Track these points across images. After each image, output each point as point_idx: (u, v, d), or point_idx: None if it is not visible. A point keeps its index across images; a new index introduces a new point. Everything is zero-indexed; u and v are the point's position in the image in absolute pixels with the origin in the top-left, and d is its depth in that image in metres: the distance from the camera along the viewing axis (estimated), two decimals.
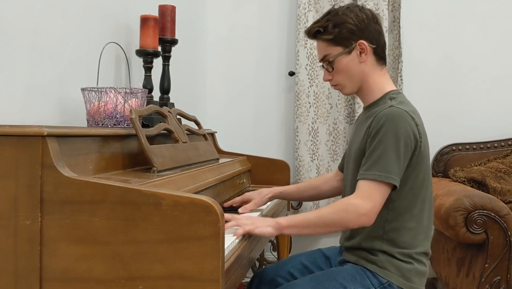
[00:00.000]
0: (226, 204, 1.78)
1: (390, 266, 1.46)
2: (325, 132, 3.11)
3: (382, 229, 1.47)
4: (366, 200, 1.37)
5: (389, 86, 1.56)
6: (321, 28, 1.53)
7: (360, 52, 1.51)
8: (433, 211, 1.55)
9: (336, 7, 1.59)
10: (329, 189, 1.85)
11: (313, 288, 1.45)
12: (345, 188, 1.62)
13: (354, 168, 1.52)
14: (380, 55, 1.55)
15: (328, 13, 1.55)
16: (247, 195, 1.83)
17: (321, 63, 1.59)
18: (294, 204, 2.98)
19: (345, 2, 3.04)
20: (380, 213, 1.42)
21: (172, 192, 1.05)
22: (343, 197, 1.63)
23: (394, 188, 1.41)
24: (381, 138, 1.40)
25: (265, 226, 1.42)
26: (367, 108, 1.58)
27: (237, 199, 1.81)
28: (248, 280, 1.80)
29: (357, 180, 1.42)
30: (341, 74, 1.54)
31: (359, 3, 2.97)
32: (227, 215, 1.38)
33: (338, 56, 1.52)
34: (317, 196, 1.89)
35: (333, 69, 1.55)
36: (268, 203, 1.97)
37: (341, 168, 1.79)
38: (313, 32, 1.55)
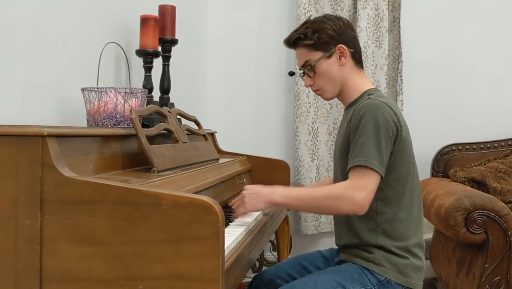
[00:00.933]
0: (233, 203, 1.79)
1: (386, 263, 1.48)
2: (325, 132, 3.11)
3: (375, 222, 1.51)
4: (360, 187, 1.42)
5: (367, 86, 1.62)
6: (301, 35, 1.60)
7: (340, 56, 1.58)
8: (422, 202, 1.60)
9: (311, 17, 1.67)
10: None
11: (312, 288, 1.45)
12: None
13: (340, 163, 1.57)
14: (357, 59, 1.62)
15: (306, 22, 1.63)
16: None
17: (301, 71, 1.65)
18: None
19: (344, 2, 3.05)
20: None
21: (172, 192, 1.05)
22: None
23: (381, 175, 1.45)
24: (362, 128, 1.45)
25: (257, 203, 1.50)
26: (347, 108, 1.64)
27: None
28: (249, 280, 1.80)
29: (347, 172, 1.47)
30: (322, 78, 1.60)
31: (359, 3, 2.97)
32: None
33: (319, 60, 1.58)
34: None
35: (314, 73, 1.60)
36: None
37: None
38: (293, 40, 1.62)
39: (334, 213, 1.52)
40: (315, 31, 1.58)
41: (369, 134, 1.44)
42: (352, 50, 1.60)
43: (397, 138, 1.48)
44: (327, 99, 1.67)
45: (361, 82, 1.61)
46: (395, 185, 1.50)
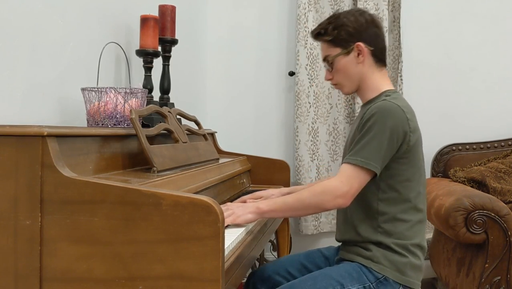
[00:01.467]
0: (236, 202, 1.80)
1: (385, 261, 1.49)
2: (325, 132, 3.11)
3: (376, 221, 1.52)
4: (343, 183, 1.45)
5: (386, 86, 1.62)
6: (322, 30, 1.62)
7: (358, 54, 1.58)
8: (426, 205, 1.60)
9: (339, 11, 1.67)
10: None
11: (311, 287, 1.46)
12: None
13: None
14: (378, 57, 1.61)
15: (331, 16, 1.64)
16: (257, 194, 1.86)
17: (324, 63, 1.67)
18: None
19: (344, 2, 3.05)
20: (371, 203, 1.51)
21: (172, 192, 1.05)
22: None
23: (375, 175, 1.47)
24: (370, 127, 1.47)
25: (246, 213, 1.49)
26: (363, 106, 1.65)
27: (247, 197, 1.83)
28: None
29: (342, 164, 1.50)
30: (340, 74, 1.62)
31: (359, 3, 2.97)
32: None
33: (337, 56, 1.60)
34: None
35: (333, 69, 1.62)
36: None
37: None
38: (315, 34, 1.64)
39: (319, 210, 1.53)
40: (336, 27, 1.59)
41: (373, 136, 1.45)
42: (372, 48, 1.59)
43: (403, 145, 1.48)
44: (346, 94, 1.70)
45: (380, 81, 1.61)
46: (398, 187, 1.51)
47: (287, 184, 2.47)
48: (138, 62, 2.06)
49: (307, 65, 3.02)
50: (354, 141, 1.50)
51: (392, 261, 1.49)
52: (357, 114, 2.97)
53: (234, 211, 1.49)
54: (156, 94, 2.09)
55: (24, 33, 1.46)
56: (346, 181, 1.45)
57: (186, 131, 1.86)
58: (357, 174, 1.45)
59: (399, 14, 3.00)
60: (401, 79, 2.97)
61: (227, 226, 1.52)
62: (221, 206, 1.49)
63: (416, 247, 1.52)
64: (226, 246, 1.21)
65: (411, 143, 1.50)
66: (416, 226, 1.53)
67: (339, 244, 1.71)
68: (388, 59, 3.02)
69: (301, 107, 3.01)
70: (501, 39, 3.07)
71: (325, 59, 1.64)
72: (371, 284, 1.47)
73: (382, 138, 1.45)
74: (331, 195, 1.44)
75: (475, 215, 2.07)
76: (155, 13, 2.01)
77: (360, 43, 1.57)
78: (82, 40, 1.76)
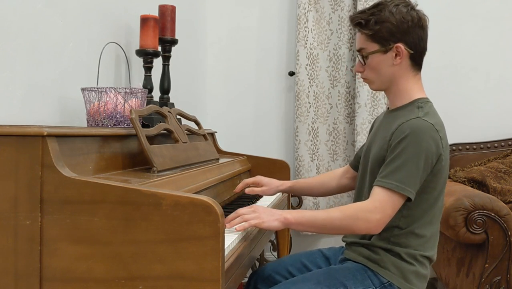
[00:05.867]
0: (237, 188, 1.82)
1: (391, 267, 1.46)
2: (325, 132, 3.11)
3: (390, 232, 1.47)
4: (378, 209, 1.38)
5: (418, 94, 1.53)
6: (362, 21, 1.50)
7: (396, 55, 1.49)
8: (440, 220, 1.55)
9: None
10: (337, 186, 1.85)
11: (314, 286, 1.45)
12: (359, 190, 1.60)
13: (371, 174, 1.52)
14: (416, 61, 1.52)
15: (376, 5, 1.51)
16: (258, 178, 1.83)
17: (357, 54, 1.58)
18: (294, 203, 2.99)
19: (344, 2, 3.04)
20: (393, 218, 1.43)
21: (172, 192, 1.05)
22: (355, 196, 1.63)
23: (408, 199, 1.41)
24: (403, 149, 1.40)
25: (272, 220, 1.40)
26: (391, 111, 1.57)
27: (249, 180, 1.82)
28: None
29: (374, 186, 1.43)
30: (372, 70, 1.53)
31: (359, 3, 2.97)
32: (231, 214, 1.39)
33: (373, 53, 1.50)
34: (326, 193, 1.90)
35: (365, 63, 1.54)
36: (272, 198, 2.03)
37: (353, 166, 1.79)
38: (355, 23, 1.53)
39: (348, 232, 1.47)
40: (378, 22, 1.47)
41: (408, 159, 1.39)
42: (412, 52, 1.49)
43: (436, 165, 1.44)
44: (373, 90, 1.61)
45: (411, 87, 1.52)
46: (422, 205, 1.47)
47: None
48: (138, 62, 2.06)
49: (307, 65, 3.02)
50: (386, 162, 1.43)
51: (400, 268, 1.46)
52: (357, 114, 2.96)
53: (260, 215, 1.40)
54: (156, 94, 2.09)
55: (24, 33, 1.46)
56: (380, 207, 1.38)
57: (186, 131, 1.86)
58: (391, 199, 1.38)
59: None
60: None
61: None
62: (247, 207, 1.44)
63: (425, 258, 1.49)
64: (226, 246, 1.21)
65: (443, 163, 1.45)
66: (430, 241, 1.49)
67: (340, 244, 1.70)
68: None
69: (301, 107, 3.01)
70: (501, 39, 3.07)
71: (359, 50, 1.54)
72: (375, 288, 1.45)
73: (417, 162, 1.39)
74: (364, 221, 1.38)
75: (475, 215, 2.07)
76: (155, 13, 2.01)
77: (401, 45, 1.47)
78: (82, 40, 1.76)
